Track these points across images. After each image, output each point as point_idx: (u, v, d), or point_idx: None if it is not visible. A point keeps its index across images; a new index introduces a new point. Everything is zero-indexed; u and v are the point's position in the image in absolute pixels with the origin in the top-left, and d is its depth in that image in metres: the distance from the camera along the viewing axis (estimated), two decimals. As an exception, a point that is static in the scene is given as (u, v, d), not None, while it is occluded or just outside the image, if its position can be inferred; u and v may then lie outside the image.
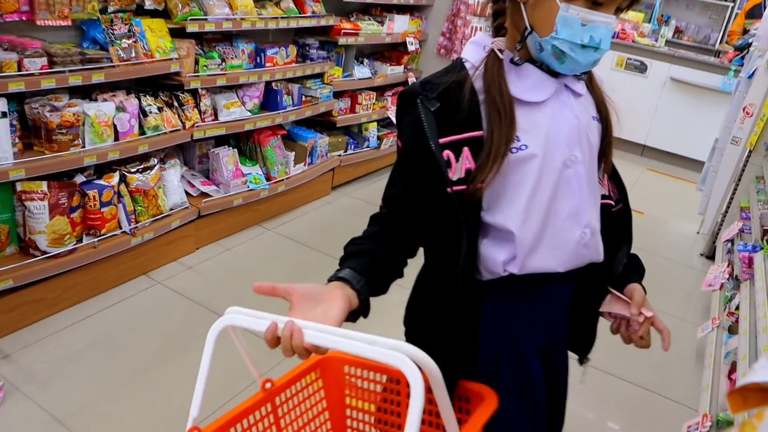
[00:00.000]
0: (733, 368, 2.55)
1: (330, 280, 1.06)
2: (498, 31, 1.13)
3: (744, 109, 4.37)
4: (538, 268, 1.12)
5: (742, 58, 6.14)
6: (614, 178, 1.28)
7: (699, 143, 6.20)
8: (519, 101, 1.08)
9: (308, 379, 1.17)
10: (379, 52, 5.19)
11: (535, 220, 1.10)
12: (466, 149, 1.06)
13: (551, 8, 1.02)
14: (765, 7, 7.11)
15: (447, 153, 1.06)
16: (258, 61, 3.68)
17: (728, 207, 4.43)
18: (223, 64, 3.40)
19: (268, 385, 1.09)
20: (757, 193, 3.80)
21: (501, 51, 1.10)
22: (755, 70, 4.34)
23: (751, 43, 6.02)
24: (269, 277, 3.25)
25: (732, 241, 3.79)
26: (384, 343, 0.80)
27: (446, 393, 0.86)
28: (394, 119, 4.88)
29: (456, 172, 1.06)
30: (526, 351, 1.18)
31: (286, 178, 3.88)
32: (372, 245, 1.13)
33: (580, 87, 1.16)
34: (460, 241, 1.07)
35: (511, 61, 1.10)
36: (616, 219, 1.27)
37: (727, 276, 3.42)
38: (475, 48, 1.14)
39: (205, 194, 3.43)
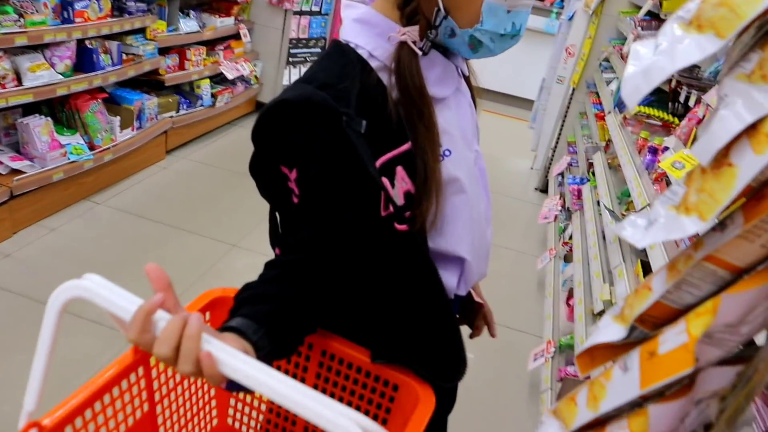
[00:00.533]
0: (570, 295, 2.75)
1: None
2: (410, 18, 0.90)
3: (566, 50, 4.64)
4: (476, 281, 1.05)
5: (563, 0, 6.49)
6: None
7: (529, 83, 6.53)
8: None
9: None
10: (207, 2, 4.85)
11: (475, 236, 0.99)
12: (400, 168, 0.88)
13: None
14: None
15: (383, 179, 0.87)
16: (65, 16, 3.27)
17: (557, 142, 4.73)
18: (22, 20, 2.97)
19: None
20: (581, 128, 4.08)
21: (414, 43, 0.89)
22: (575, 12, 4.60)
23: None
24: (104, 256, 2.99)
25: (562, 174, 4.05)
26: (332, 407, 0.62)
27: None
28: (229, 75, 4.62)
29: (395, 199, 0.89)
30: None
31: (113, 146, 3.54)
32: (273, 288, 0.84)
33: (465, 66, 1.03)
34: (430, 275, 0.93)
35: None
36: None
37: (560, 208, 3.67)
38: (366, 31, 0.91)
39: (17, 171, 3.03)
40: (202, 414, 1.09)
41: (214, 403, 1.12)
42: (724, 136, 0.44)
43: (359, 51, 0.90)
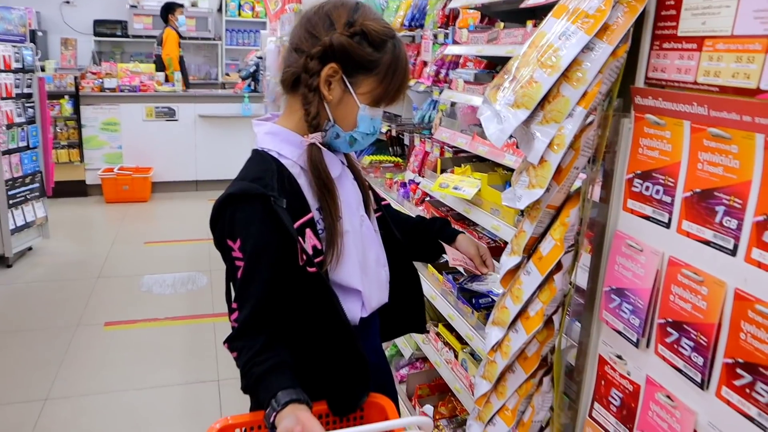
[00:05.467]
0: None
1: (278, 408, 1.13)
2: (314, 127, 1.29)
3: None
4: (375, 307, 1.42)
5: (249, 85, 7.18)
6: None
7: (240, 164, 6.95)
8: None
9: None
10: None
11: (365, 273, 1.36)
12: (308, 230, 1.26)
13: (354, 108, 1.28)
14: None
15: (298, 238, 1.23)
16: None
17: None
18: None
19: None
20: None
21: (320, 143, 1.30)
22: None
23: (255, 72, 7.07)
24: None
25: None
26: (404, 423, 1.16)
27: None
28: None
29: (307, 250, 1.24)
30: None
31: None
32: (278, 357, 1.22)
33: (343, 156, 1.43)
34: (333, 303, 1.27)
35: None
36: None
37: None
38: (273, 139, 1.31)
39: None
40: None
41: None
42: (542, 147, 0.99)
43: (271, 153, 1.29)
